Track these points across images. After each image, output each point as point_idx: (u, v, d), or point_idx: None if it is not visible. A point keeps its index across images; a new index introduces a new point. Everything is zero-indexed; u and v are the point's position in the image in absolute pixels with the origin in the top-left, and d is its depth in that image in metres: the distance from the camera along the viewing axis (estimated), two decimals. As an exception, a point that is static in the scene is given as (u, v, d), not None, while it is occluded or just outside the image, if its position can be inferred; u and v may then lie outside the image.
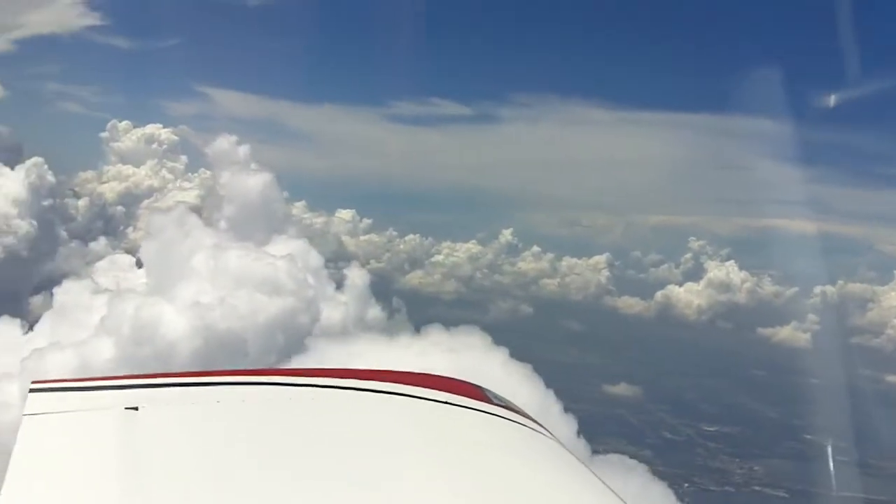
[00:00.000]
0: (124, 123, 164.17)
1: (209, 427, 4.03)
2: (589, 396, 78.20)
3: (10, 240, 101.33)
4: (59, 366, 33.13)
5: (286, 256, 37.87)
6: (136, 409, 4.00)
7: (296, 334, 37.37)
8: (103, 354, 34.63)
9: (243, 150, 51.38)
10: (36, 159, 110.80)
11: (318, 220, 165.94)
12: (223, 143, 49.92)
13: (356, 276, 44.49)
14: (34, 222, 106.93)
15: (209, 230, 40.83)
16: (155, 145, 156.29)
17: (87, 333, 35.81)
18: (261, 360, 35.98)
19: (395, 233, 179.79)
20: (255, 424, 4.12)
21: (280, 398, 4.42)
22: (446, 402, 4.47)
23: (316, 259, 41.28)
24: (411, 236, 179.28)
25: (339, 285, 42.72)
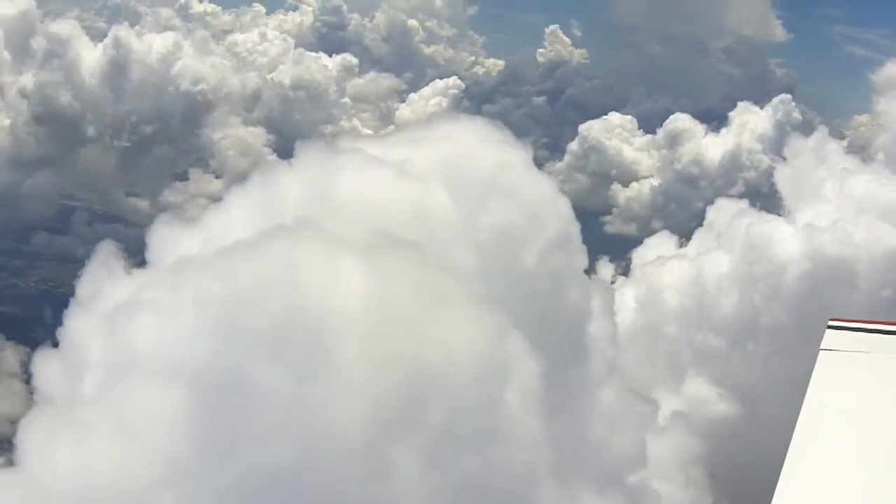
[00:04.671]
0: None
1: None
2: None
3: (751, 174, 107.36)
4: (674, 274, 37.58)
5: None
6: None
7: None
8: (718, 268, 37.17)
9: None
10: (783, 96, 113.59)
11: None
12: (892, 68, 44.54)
13: None
14: (776, 158, 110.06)
15: (850, 157, 38.47)
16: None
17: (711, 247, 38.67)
18: (870, 293, 33.43)
19: None
20: None
21: None
22: None
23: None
24: None
25: None
